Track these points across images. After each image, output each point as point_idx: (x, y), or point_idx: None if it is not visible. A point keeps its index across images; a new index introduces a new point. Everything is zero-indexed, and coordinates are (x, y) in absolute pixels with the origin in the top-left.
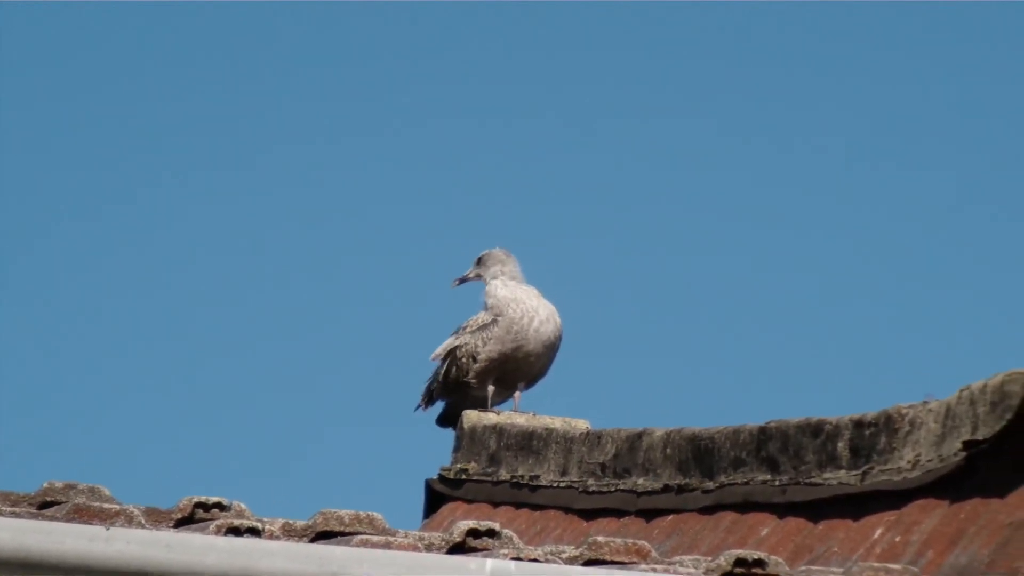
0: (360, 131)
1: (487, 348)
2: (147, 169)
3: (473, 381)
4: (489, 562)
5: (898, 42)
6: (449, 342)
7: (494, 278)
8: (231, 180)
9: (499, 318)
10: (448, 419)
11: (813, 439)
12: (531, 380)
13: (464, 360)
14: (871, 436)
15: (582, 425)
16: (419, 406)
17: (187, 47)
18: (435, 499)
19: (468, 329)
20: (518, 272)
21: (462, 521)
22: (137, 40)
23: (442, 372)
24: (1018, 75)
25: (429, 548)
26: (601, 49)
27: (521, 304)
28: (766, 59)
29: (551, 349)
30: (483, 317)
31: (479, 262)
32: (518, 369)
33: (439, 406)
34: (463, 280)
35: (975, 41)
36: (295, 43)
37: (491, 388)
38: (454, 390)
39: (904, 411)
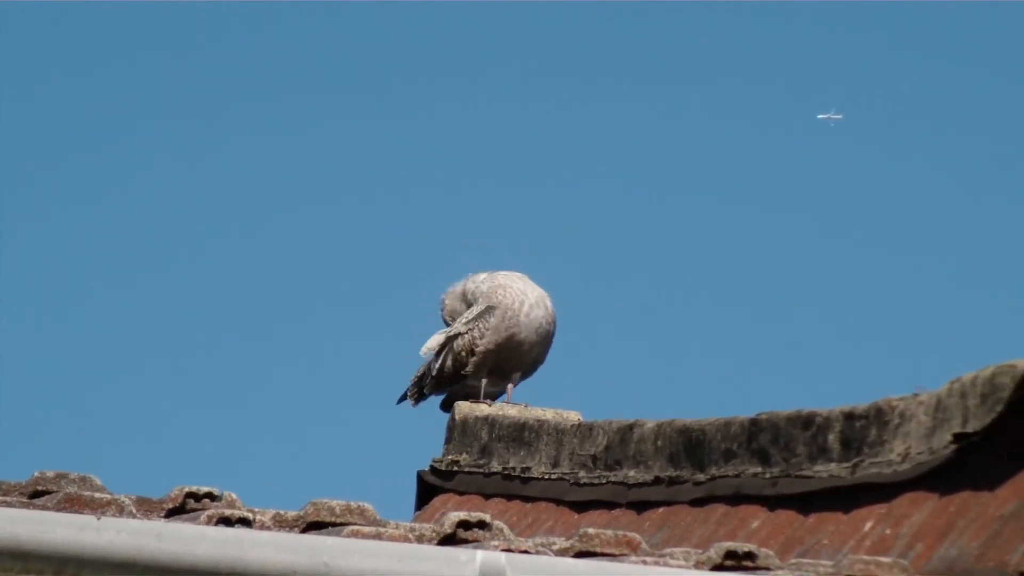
0: (353, 119)
1: (485, 340)
2: (137, 159)
3: (471, 372)
4: (479, 553)
5: (895, 39)
6: (441, 335)
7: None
8: (221, 169)
9: (492, 308)
10: (451, 404)
11: (804, 431)
12: (527, 370)
13: (462, 353)
14: (861, 428)
15: (574, 417)
16: (405, 398)
17: (136, 37)
18: (427, 491)
19: (461, 320)
20: (482, 274)
21: (453, 512)
22: (103, 31)
23: (437, 367)
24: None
25: (420, 539)
26: (593, 35)
27: (508, 289)
28: (750, 44)
29: (544, 336)
30: (476, 307)
31: (451, 315)
32: (511, 359)
33: (431, 399)
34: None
35: (977, 39)
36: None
37: (483, 380)
38: (450, 383)
39: (894, 403)
